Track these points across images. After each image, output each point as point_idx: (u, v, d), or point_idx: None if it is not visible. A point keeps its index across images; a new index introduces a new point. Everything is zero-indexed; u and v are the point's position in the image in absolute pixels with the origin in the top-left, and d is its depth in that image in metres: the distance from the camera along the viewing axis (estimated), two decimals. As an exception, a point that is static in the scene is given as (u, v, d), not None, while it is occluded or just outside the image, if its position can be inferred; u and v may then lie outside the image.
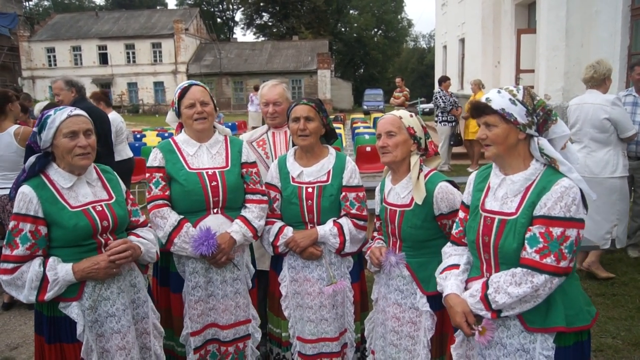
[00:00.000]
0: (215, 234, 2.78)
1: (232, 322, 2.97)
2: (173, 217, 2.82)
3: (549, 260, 1.94)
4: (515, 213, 2.06)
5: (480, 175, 2.31)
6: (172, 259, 2.92)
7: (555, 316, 2.00)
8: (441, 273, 2.34)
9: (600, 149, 4.80)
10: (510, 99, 2.06)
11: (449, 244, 2.42)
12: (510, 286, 1.99)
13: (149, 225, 2.78)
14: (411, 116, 2.67)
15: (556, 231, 1.95)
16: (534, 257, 1.97)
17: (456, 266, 2.29)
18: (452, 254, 2.37)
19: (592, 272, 4.99)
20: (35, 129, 2.43)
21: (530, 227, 2.01)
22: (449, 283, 2.24)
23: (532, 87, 11.05)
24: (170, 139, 3.03)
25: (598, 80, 4.78)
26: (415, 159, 2.60)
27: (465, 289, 2.21)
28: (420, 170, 2.59)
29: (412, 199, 2.57)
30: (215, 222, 2.86)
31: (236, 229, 2.87)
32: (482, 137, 2.13)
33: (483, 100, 2.10)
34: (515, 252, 2.03)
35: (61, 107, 2.48)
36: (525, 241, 2.01)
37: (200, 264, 2.89)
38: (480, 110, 2.11)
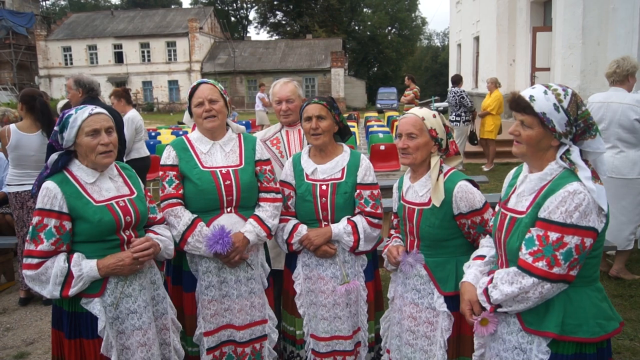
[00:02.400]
0: (229, 232, 2.77)
1: (247, 323, 2.96)
2: (187, 216, 2.82)
3: (541, 264, 1.90)
4: (524, 212, 2.03)
5: (517, 171, 2.27)
6: (185, 257, 2.91)
7: (549, 321, 1.96)
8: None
9: (629, 149, 4.66)
10: (554, 104, 1.95)
11: (488, 236, 2.43)
12: (504, 284, 2.00)
13: (165, 223, 2.81)
14: (434, 116, 2.60)
15: (553, 236, 1.89)
16: (527, 259, 1.95)
17: (482, 257, 2.33)
18: (484, 245, 2.39)
19: (620, 277, 4.90)
20: (56, 128, 2.45)
21: (531, 229, 1.97)
22: (469, 272, 2.30)
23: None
24: (184, 137, 3.02)
25: (620, 76, 4.64)
26: (435, 160, 2.56)
27: None
28: (440, 171, 2.55)
29: (431, 198, 2.54)
30: (228, 221, 2.85)
31: (249, 229, 2.85)
32: (515, 133, 2.06)
33: (527, 97, 1.99)
34: (518, 251, 2.02)
35: (81, 106, 2.50)
36: (523, 242, 1.98)
37: (214, 263, 2.88)
38: (520, 106, 2.02)
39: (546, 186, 1.99)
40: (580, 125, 1.97)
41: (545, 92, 1.97)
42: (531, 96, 1.98)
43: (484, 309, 2.12)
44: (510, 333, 2.08)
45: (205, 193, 2.83)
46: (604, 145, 2.03)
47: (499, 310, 2.06)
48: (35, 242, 2.34)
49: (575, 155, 1.97)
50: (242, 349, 2.97)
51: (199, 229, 2.80)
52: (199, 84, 2.95)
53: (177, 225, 2.80)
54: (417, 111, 2.62)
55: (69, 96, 5.39)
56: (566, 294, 1.96)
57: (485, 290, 2.09)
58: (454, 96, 10.91)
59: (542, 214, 1.94)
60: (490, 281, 2.09)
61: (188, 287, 2.93)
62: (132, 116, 6.44)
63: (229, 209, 2.89)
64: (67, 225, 2.38)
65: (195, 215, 2.84)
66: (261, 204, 2.95)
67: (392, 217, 2.90)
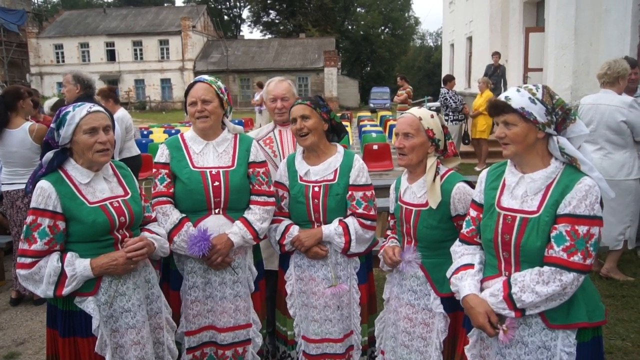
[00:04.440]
0: (210, 235, 2.74)
1: (230, 326, 2.92)
2: (175, 215, 2.80)
3: (577, 258, 1.96)
4: (537, 211, 2.05)
5: (492, 173, 2.29)
6: (173, 256, 2.90)
7: (578, 312, 2.03)
8: (455, 273, 2.31)
9: (617, 151, 4.70)
10: (529, 98, 2.05)
11: (458, 242, 2.39)
12: (538, 285, 1.99)
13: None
14: (432, 117, 2.59)
15: (582, 229, 1.96)
16: (561, 256, 1.97)
17: (470, 266, 2.27)
18: (464, 253, 2.34)
19: (611, 277, 4.93)
20: (53, 125, 2.43)
21: (556, 226, 2.01)
22: (466, 283, 2.22)
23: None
24: (178, 135, 3.00)
25: (611, 78, 4.66)
26: (431, 161, 2.55)
27: (481, 289, 2.20)
28: (437, 173, 2.54)
29: (428, 200, 2.53)
30: (216, 222, 2.83)
31: (235, 231, 2.82)
32: (501, 136, 2.12)
33: (502, 98, 2.09)
34: (539, 250, 2.03)
35: (79, 103, 2.47)
36: (552, 240, 2.01)
37: (199, 264, 2.86)
38: (499, 108, 2.10)
39: (553, 184, 2.05)
40: (559, 113, 2.08)
41: (518, 90, 2.09)
42: (506, 97, 2.09)
43: (500, 317, 2.08)
44: (533, 334, 2.07)
45: (193, 193, 2.81)
46: (585, 126, 2.12)
47: (526, 313, 2.05)
48: (28, 242, 2.33)
49: (569, 147, 2.05)
50: (223, 351, 2.94)
51: (185, 228, 2.77)
52: (195, 82, 2.92)
53: (165, 223, 2.78)
54: (415, 111, 2.61)
55: (65, 91, 5.38)
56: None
57: (507, 297, 2.05)
58: (440, 97, 11.15)
59: (564, 210, 2.00)
60: (506, 287, 2.06)
61: (174, 286, 2.92)
62: (121, 115, 6.40)
63: (216, 210, 2.86)
64: (61, 225, 2.36)
65: (183, 215, 2.82)
66: (251, 206, 2.92)
67: (389, 218, 2.89)
